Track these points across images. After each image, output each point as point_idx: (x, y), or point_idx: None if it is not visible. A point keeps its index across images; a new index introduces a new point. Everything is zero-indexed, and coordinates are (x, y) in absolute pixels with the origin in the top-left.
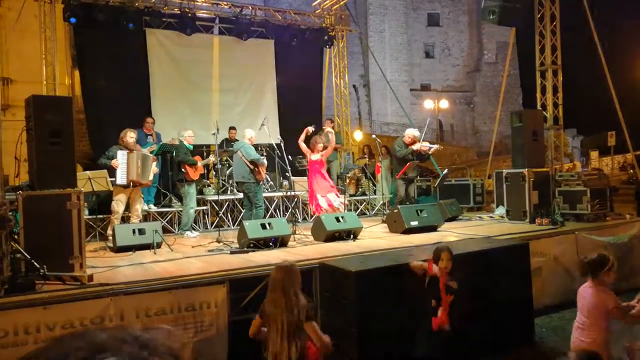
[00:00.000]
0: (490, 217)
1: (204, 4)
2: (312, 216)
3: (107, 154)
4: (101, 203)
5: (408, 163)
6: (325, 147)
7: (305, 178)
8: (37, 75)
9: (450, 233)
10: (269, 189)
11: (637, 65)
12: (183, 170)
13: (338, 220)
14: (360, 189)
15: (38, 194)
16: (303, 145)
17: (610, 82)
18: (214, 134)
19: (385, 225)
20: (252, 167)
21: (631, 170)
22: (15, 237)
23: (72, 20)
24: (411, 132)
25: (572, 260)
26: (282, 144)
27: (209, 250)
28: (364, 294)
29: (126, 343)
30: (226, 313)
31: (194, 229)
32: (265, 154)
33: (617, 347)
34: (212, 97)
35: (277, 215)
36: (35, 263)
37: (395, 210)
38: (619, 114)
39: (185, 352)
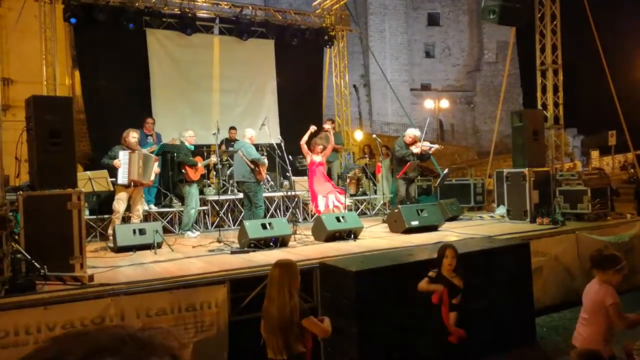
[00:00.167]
0: (491, 216)
1: (204, 4)
2: (312, 216)
3: (110, 154)
4: (102, 203)
5: (408, 163)
6: (325, 148)
7: (306, 178)
8: (37, 75)
9: (451, 233)
10: (270, 189)
11: (638, 65)
12: (183, 171)
13: (338, 220)
14: (360, 189)
15: (38, 194)
16: (305, 147)
17: (610, 81)
18: (214, 134)
19: (386, 225)
20: (252, 166)
21: (632, 170)
22: (16, 237)
23: (73, 20)
24: (412, 132)
25: (573, 260)
26: (282, 144)
27: (210, 250)
28: (365, 294)
29: (124, 343)
30: (227, 313)
31: (194, 229)
32: (265, 153)
33: (616, 348)
34: (213, 97)
35: (277, 215)
36: (35, 263)
37: (396, 210)
38: (620, 114)
39: (184, 352)
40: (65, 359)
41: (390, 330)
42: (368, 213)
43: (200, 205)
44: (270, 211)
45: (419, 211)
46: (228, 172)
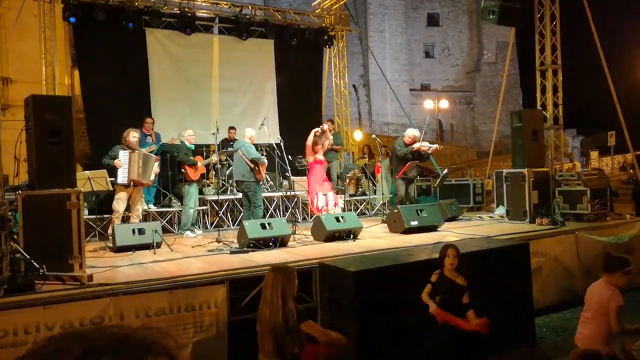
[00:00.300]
0: (490, 217)
1: (203, 4)
2: (312, 216)
3: (110, 153)
4: (101, 203)
5: (408, 163)
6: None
7: (305, 178)
8: (36, 75)
9: (450, 233)
10: (269, 189)
11: (637, 65)
12: (183, 170)
13: (338, 220)
14: (360, 189)
15: (37, 194)
16: (310, 147)
17: (610, 81)
18: (213, 133)
19: (385, 225)
20: (252, 166)
21: (631, 170)
22: (15, 237)
23: (72, 20)
24: (411, 132)
25: (572, 260)
26: (281, 144)
27: (209, 250)
28: (364, 294)
29: (120, 342)
30: (226, 313)
31: (195, 229)
32: (265, 153)
33: (616, 348)
34: (212, 96)
35: (276, 215)
36: (34, 263)
37: (395, 210)
38: (619, 114)
39: (181, 352)
40: (62, 358)
41: (390, 330)
42: (367, 213)
43: (200, 205)
44: (270, 211)
45: (419, 211)
46: (227, 171)
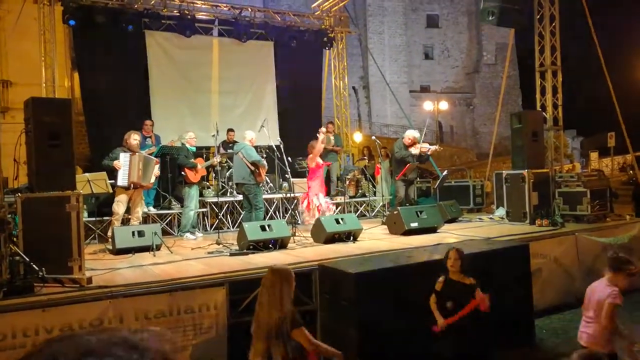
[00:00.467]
0: (490, 218)
1: (203, 6)
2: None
3: (111, 155)
4: (100, 205)
5: (408, 164)
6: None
7: (305, 180)
8: (36, 77)
9: (450, 234)
10: (269, 191)
11: (637, 66)
12: (183, 173)
13: (338, 222)
14: (360, 191)
15: (37, 196)
16: (317, 151)
17: (609, 82)
18: (213, 135)
19: (385, 226)
20: (253, 168)
21: (631, 171)
22: (14, 239)
23: (72, 22)
24: (411, 134)
25: (572, 262)
26: (281, 146)
27: (209, 252)
28: (364, 296)
29: (115, 345)
30: (225, 315)
31: (195, 231)
32: (265, 155)
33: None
34: (212, 99)
35: (276, 217)
36: (34, 265)
37: (395, 212)
38: (619, 115)
39: (180, 355)
40: None
41: (390, 332)
42: (367, 215)
43: (199, 207)
44: (270, 213)
45: (418, 213)
46: (227, 174)
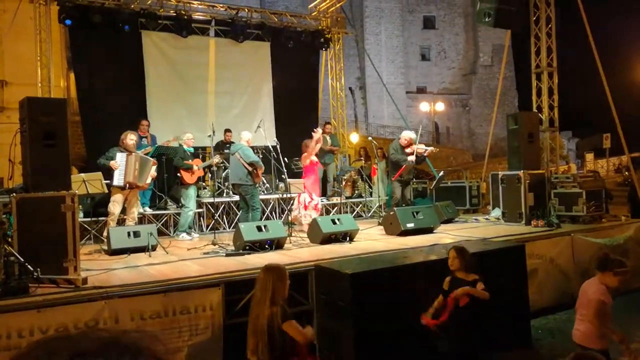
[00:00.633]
0: (486, 219)
1: (199, 6)
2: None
3: (107, 154)
4: (96, 205)
5: (404, 165)
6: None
7: (302, 180)
8: (32, 77)
9: (447, 235)
10: (265, 192)
11: (632, 67)
12: (179, 174)
13: (334, 223)
14: (356, 191)
15: (32, 197)
16: (311, 150)
17: (605, 84)
18: (209, 136)
19: (382, 227)
20: (250, 169)
21: (626, 172)
22: (9, 239)
23: (68, 22)
24: (407, 135)
25: (568, 262)
26: (278, 146)
27: (205, 253)
28: (360, 296)
29: (108, 347)
30: (221, 316)
31: (191, 232)
32: (261, 156)
33: (614, 348)
34: (208, 99)
35: (273, 217)
36: (29, 266)
37: (392, 213)
38: (614, 116)
39: (176, 355)
40: None
41: (387, 332)
42: (364, 215)
43: (196, 208)
44: (266, 213)
45: (415, 213)
46: (223, 174)
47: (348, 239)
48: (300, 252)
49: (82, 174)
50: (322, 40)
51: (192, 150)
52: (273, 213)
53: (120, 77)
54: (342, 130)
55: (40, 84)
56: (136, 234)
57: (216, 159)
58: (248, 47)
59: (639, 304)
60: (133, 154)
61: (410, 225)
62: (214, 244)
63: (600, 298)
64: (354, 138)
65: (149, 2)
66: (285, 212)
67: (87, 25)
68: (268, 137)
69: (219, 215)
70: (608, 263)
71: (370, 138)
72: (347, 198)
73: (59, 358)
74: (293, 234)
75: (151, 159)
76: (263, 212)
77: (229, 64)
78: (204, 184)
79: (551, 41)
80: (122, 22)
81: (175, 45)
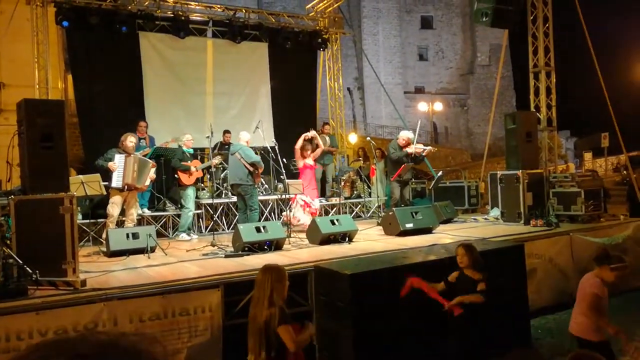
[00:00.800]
0: (485, 218)
1: (197, 7)
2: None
3: (105, 156)
4: (95, 207)
5: (402, 165)
6: (314, 150)
7: (300, 181)
8: (29, 79)
9: (446, 235)
10: (264, 192)
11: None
12: (176, 176)
13: (333, 223)
14: (355, 192)
15: (30, 199)
16: (298, 152)
17: (603, 83)
18: (208, 137)
19: (381, 227)
20: (251, 169)
21: (624, 172)
22: (8, 242)
23: (65, 23)
24: (405, 135)
25: (566, 262)
26: (276, 147)
27: (204, 254)
28: (360, 297)
29: (106, 350)
30: (221, 317)
31: (190, 232)
32: (259, 157)
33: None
34: (206, 100)
35: (271, 218)
36: (27, 268)
37: (390, 213)
38: (612, 115)
39: (175, 357)
40: None
41: (386, 332)
42: (362, 216)
43: (195, 209)
44: (265, 214)
45: (414, 214)
46: (222, 175)
47: (347, 239)
48: (299, 253)
49: (81, 176)
50: (319, 40)
51: (191, 151)
52: (272, 214)
53: (117, 78)
54: (341, 130)
55: (37, 86)
56: (135, 236)
57: (216, 160)
58: (246, 47)
59: (638, 303)
60: (132, 155)
61: (409, 225)
62: (212, 245)
63: (594, 291)
64: (353, 138)
65: (146, 3)
66: (284, 213)
67: (85, 27)
68: (266, 138)
69: (217, 217)
70: (606, 257)
71: (368, 138)
72: (346, 198)
73: None
74: (292, 235)
75: (150, 161)
76: (262, 213)
77: (227, 64)
78: (202, 185)
79: (548, 40)
80: (119, 24)
81: (173, 46)
